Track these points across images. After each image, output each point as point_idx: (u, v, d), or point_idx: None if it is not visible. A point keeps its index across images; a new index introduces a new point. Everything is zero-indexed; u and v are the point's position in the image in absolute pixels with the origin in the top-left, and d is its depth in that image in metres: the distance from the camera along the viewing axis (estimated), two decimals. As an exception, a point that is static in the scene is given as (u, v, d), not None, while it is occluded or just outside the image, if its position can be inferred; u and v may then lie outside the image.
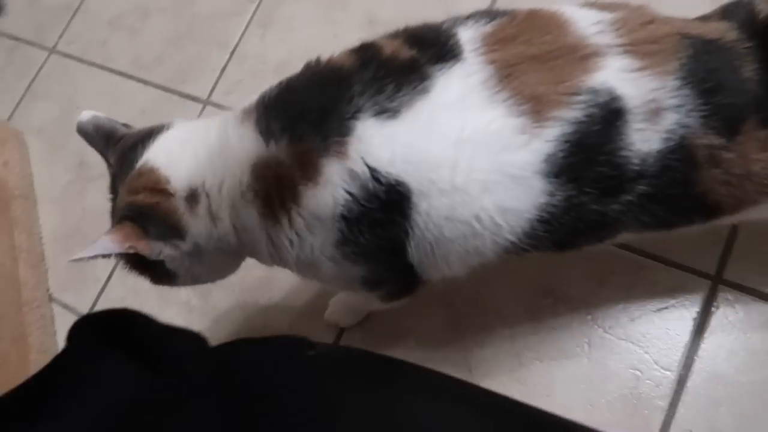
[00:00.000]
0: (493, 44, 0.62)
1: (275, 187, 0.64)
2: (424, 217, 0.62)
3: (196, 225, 0.69)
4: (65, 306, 1.26)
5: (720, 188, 0.60)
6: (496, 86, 0.60)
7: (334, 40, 1.16)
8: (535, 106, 0.59)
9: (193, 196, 0.68)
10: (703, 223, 0.65)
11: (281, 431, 0.43)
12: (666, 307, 0.87)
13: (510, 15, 0.64)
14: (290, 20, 1.29)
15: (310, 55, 1.13)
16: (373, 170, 0.60)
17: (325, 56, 0.68)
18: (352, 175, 0.61)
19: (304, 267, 0.70)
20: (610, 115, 0.58)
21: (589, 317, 0.89)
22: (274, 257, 0.70)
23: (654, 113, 0.58)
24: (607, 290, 0.90)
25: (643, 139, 0.58)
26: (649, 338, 0.86)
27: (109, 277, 1.22)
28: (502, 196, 0.60)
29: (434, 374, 0.57)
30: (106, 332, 0.56)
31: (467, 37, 0.63)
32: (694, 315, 0.85)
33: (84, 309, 1.23)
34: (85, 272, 1.24)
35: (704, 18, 0.64)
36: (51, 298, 1.28)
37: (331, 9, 1.25)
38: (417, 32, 0.67)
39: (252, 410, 0.45)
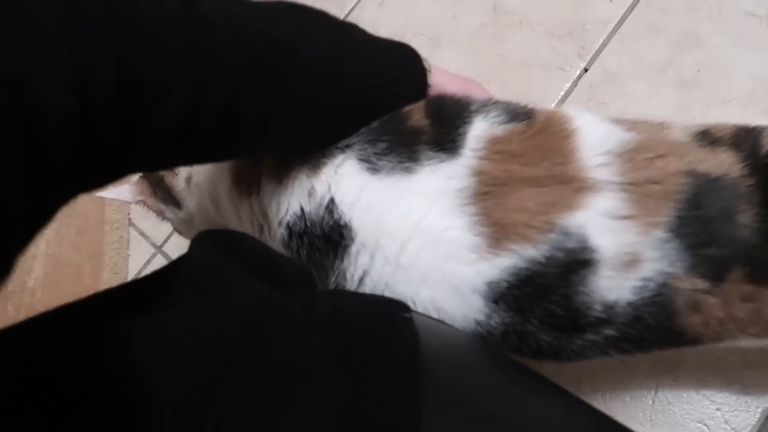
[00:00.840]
0: (494, 152, 0.59)
1: (246, 174, 0.69)
2: (360, 273, 0.61)
3: (191, 199, 0.79)
4: (141, 233, 1.31)
5: (699, 328, 0.56)
6: (469, 198, 0.58)
7: (452, 21, 1.12)
8: (496, 233, 0.56)
9: (190, 177, 0.79)
10: (680, 348, 0.60)
11: (381, 379, 0.45)
12: (751, 368, 0.80)
13: (528, 122, 0.60)
14: (411, -8, 1.26)
15: (424, 32, 1.12)
16: (332, 201, 0.61)
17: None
18: (312, 192, 0.62)
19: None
20: (573, 264, 0.54)
21: (663, 360, 0.84)
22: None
23: (629, 264, 0.54)
24: (688, 335, 0.84)
25: (610, 288, 0.54)
26: (725, 395, 0.81)
27: (188, 214, 1.24)
28: (438, 295, 0.59)
29: (529, 370, 0.57)
30: (226, 245, 0.57)
31: (477, 132, 0.60)
32: (781, 382, 0.78)
33: (158, 239, 1.27)
34: (167, 204, 1.27)
35: (716, 142, 0.57)
36: (130, 222, 1.32)
37: (455, -12, 1.21)
38: (441, 104, 0.64)
39: (357, 356, 0.46)
